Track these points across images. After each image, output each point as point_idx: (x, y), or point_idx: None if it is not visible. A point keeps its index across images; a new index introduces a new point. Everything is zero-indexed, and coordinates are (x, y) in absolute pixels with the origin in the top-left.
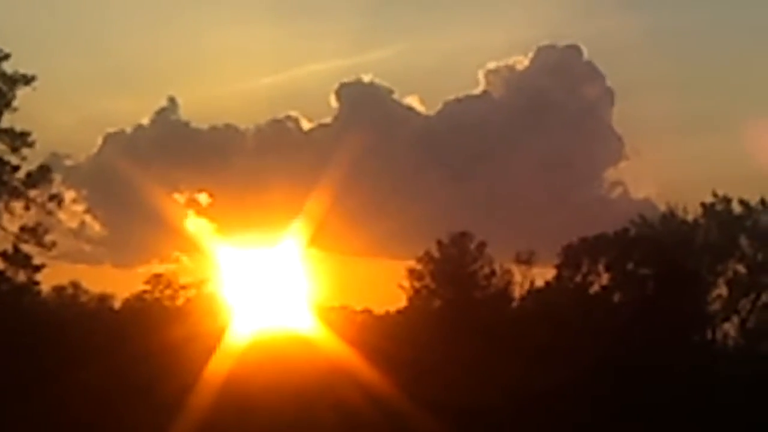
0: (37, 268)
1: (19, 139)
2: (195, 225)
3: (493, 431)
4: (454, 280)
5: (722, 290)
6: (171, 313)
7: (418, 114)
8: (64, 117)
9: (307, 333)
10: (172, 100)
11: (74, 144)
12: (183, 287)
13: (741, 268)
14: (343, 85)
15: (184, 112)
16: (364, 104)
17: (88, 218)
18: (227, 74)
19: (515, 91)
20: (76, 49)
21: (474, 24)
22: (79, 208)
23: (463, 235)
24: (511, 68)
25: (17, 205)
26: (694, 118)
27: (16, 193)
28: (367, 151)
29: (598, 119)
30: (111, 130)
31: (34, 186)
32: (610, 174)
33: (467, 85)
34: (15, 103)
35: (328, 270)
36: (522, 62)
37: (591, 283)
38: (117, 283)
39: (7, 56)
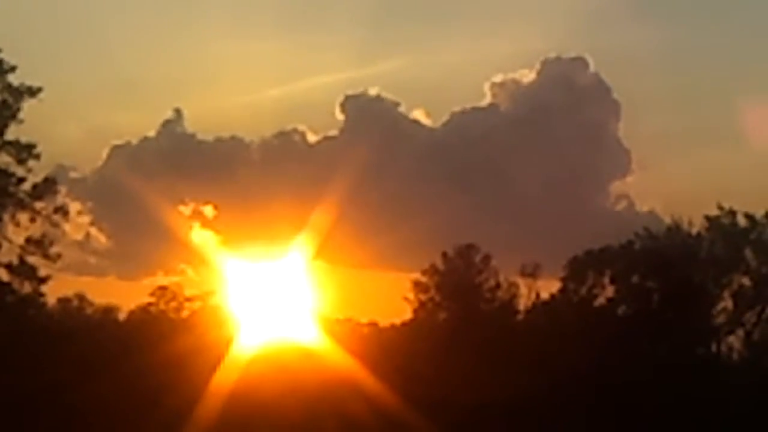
0: (43, 280)
1: (24, 151)
2: (200, 237)
3: None
4: (459, 292)
5: (727, 303)
6: (176, 325)
7: (423, 127)
8: (69, 129)
9: (313, 345)
10: (177, 112)
11: (80, 156)
12: (188, 299)
13: (746, 281)
14: (348, 98)
15: (189, 124)
16: (369, 117)
17: (93, 230)
18: (233, 86)
19: (521, 103)
20: (81, 61)
21: (480, 36)
22: (85, 220)
23: (469, 248)
24: (517, 81)
25: (23, 217)
26: (699, 131)
27: (21, 205)
28: (372, 163)
29: (604, 132)
30: (116, 142)
31: (39, 198)
32: (616, 187)
33: (473, 97)
34: (21, 115)
35: (334, 282)
36: (528, 75)
37: (596, 296)
38: (122, 295)
39: (13, 68)
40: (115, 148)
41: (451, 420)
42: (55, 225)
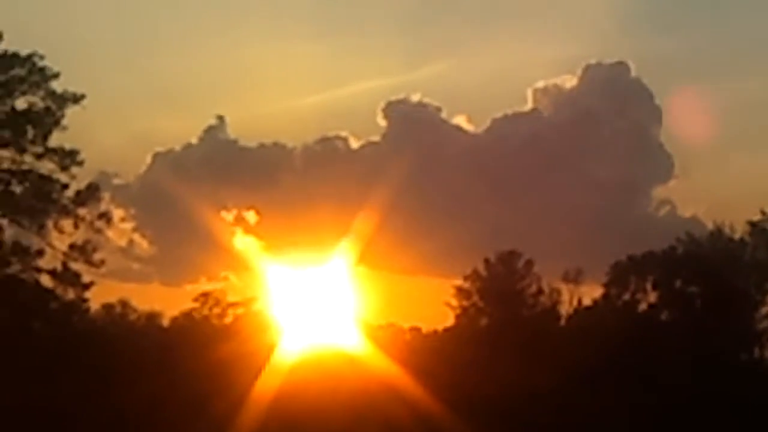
0: (86, 286)
1: (68, 158)
2: (243, 243)
3: None
4: (501, 298)
5: None
6: (219, 331)
7: (465, 132)
8: (112, 136)
9: (355, 351)
10: (220, 119)
11: (123, 162)
12: (231, 305)
13: None
14: (390, 104)
15: (232, 131)
16: (411, 123)
17: (136, 236)
18: (275, 92)
19: (563, 109)
20: (125, 68)
21: (522, 42)
22: (128, 226)
23: (511, 254)
24: (559, 86)
25: (66, 224)
26: (742, 137)
27: (65, 212)
28: (414, 169)
29: (646, 137)
30: (159, 148)
31: (83, 204)
32: (658, 192)
33: (515, 103)
34: (64, 122)
35: (377, 288)
36: (570, 80)
37: (639, 302)
38: (165, 301)
39: (56, 75)
40: (158, 154)
41: (493, 426)
42: (99, 231)
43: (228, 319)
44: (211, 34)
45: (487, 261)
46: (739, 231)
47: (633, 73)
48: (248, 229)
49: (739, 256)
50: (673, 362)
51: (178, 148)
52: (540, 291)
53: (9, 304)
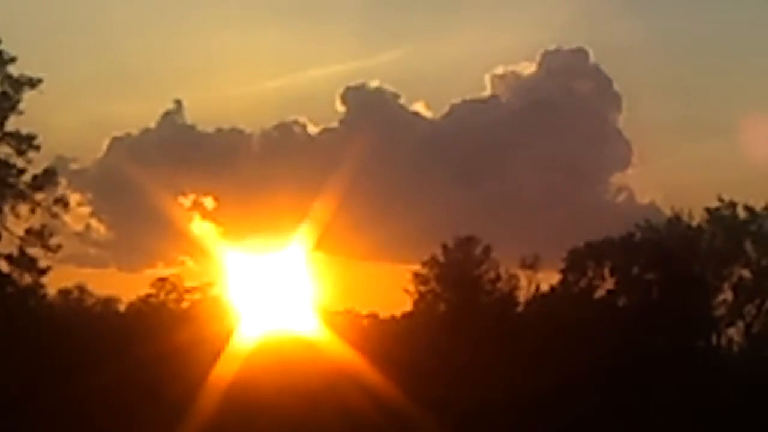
0: (43, 271)
1: (25, 142)
2: (200, 228)
3: None
4: (459, 284)
5: (727, 295)
6: (177, 316)
7: (423, 119)
8: (70, 120)
9: (313, 336)
10: (178, 104)
11: (80, 147)
12: (188, 291)
13: (746, 273)
14: (348, 89)
15: (190, 116)
16: (370, 109)
17: (93, 221)
18: (233, 77)
19: (522, 95)
20: (82, 53)
21: (480, 28)
22: (85, 211)
23: (469, 240)
24: (517, 73)
25: (23, 208)
26: (699, 123)
27: (22, 196)
28: (372, 155)
29: (604, 124)
30: (117, 133)
31: (39, 189)
32: (616, 179)
33: (473, 89)
34: (21, 106)
35: (334, 274)
36: (528, 67)
37: (596, 288)
38: (122, 286)
39: (13, 59)
40: (116, 139)
41: (450, 411)
42: (56, 216)
43: (185, 305)
44: (169, 18)
45: (444, 247)
46: (697, 218)
47: (592, 60)
48: (206, 215)
49: (697, 243)
50: (630, 349)
51: (135, 132)
52: (498, 277)
53: None
